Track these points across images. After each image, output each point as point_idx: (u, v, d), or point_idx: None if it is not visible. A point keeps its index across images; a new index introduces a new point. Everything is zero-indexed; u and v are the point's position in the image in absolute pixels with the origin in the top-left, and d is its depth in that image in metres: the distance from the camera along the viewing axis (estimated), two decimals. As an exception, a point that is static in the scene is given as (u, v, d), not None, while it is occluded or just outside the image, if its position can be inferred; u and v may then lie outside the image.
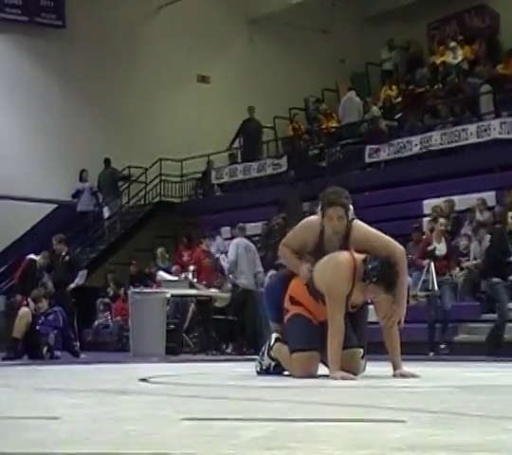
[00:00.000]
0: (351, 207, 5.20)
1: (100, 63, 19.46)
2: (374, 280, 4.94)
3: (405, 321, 5.19)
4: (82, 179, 19.28)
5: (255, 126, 19.44)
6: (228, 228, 16.97)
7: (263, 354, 5.40)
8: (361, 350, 5.24)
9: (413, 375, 5.14)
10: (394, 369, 5.18)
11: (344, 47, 21.85)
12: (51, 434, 2.60)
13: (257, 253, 13.03)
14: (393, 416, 2.97)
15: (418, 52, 20.60)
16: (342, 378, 4.86)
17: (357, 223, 5.25)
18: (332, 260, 5.09)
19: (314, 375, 5.15)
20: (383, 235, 5.27)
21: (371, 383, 4.74)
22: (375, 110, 17.77)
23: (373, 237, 5.19)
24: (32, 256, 12.65)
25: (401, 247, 5.28)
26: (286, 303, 5.26)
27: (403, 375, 5.12)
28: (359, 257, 5.06)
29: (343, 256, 5.08)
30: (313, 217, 5.40)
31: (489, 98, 15.51)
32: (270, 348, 5.34)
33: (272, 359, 5.34)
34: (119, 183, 19.78)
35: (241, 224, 13.79)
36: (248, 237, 16.52)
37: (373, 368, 5.48)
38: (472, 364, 7.14)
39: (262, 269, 12.77)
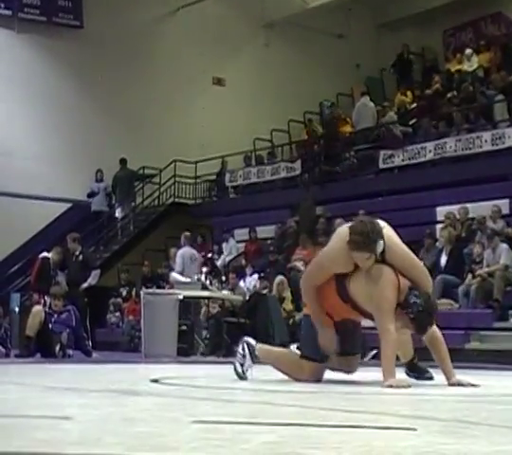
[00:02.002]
0: (380, 242, 4.94)
1: (116, 63, 19.52)
2: (412, 316, 4.88)
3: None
4: (97, 180, 19.34)
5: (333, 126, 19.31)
6: (241, 231, 17.00)
7: (244, 356, 5.26)
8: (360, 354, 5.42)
9: (472, 384, 4.99)
10: (448, 378, 5.04)
11: (359, 52, 21.86)
12: (62, 434, 2.63)
13: (201, 262, 13.41)
14: (403, 424, 2.97)
15: (433, 59, 20.58)
16: (397, 386, 4.73)
17: (390, 241, 5.04)
18: (375, 275, 4.96)
19: (320, 380, 5.18)
20: (417, 261, 5.19)
21: (382, 390, 4.74)
22: (392, 115, 17.74)
23: (408, 261, 5.07)
24: (45, 254, 12.69)
25: (431, 281, 5.19)
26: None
27: (461, 384, 4.98)
28: (404, 282, 4.96)
29: (387, 273, 4.96)
30: (339, 245, 5.05)
31: (504, 106, 15.46)
32: (253, 349, 5.26)
33: (254, 362, 5.24)
34: (135, 183, 19.82)
35: (187, 233, 13.94)
36: (261, 240, 16.60)
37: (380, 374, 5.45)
38: (484, 372, 7.12)
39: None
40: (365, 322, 5.32)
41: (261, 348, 5.31)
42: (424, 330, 4.96)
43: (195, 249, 14.20)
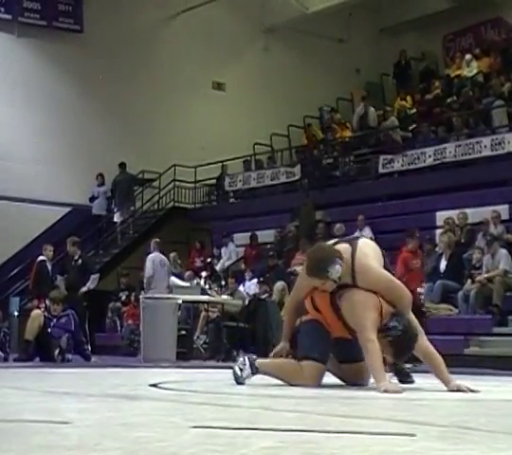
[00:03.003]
0: (336, 265, 4.98)
1: (116, 67, 19.55)
2: (390, 339, 4.89)
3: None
4: (98, 183, 19.35)
5: None
6: (241, 235, 17.00)
7: (244, 364, 5.25)
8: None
9: (471, 390, 4.97)
10: (446, 384, 5.02)
11: (359, 57, 21.89)
12: (61, 439, 2.63)
13: (170, 267, 13.79)
14: (402, 429, 2.97)
15: (433, 64, 20.62)
16: (393, 391, 4.73)
17: (360, 263, 5.07)
18: (356, 299, 5.02)
19: (319, 385, 5.17)
20: (394, 284, 5.13)
21: (380, 395, 4.73)
22: (394, 120, 17.75)
23: (382, 283, 5.06)
24: (42, 257, 12.71)
25: (408, 293, 5.16)
26: (308, 305, 5.22)
27: (460, 389, 4.96)
28: (388, 308, 4.99)
29: (371, 298, 5.00)
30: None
31: (503, 111, 15.48)
32: (254, 361, 5.26)
33: (253, 373, 5.24)
34: (135, 187, 19.84)
35: (157, 239, 14.40)
36: (261, 244, 16.60)
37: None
38: (483, 377, 7.12)
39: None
40: None
41: (261, 360, 5.32)
42: (402, 355, 4.98)
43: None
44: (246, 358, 5.27)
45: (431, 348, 5.06)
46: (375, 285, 5.05)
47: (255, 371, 5.23)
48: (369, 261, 5.11)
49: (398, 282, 5.17)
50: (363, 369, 5.27)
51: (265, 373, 5.29)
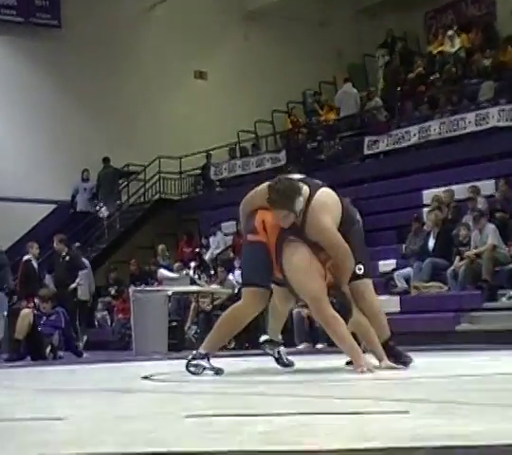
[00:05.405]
0: (300, 198, 4.93)
1: (96, 62, 19.41)
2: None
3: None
4: (84, 179, 19.27)
5: None
6: (229, 224, 16.96)
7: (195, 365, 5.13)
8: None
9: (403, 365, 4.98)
10: (380, 360, 4.99)
11: (341, 39, 21.75)
12: (56, 435, 2.62)
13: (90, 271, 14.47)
14: (395, 407, 2.97)
15: (415, 42, 20.56)
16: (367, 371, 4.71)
17: (313, 210, 4.98)
18: (302, 261, 4.96)
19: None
20: (329, 233, 4.96)
21: (372, 375, 4.73)
22: (378, 101, 17.69)
23: (321, 235, 4.97)
24: (27, 256, 12.64)
25: (344, 248, 4.95)
26: (258, 225, 5.12)
27: (393, 367, 4.93)
28: (330, 278, 4.94)
29: (313, 267, 4.94)
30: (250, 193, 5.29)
31: (487, 86, 15.42)
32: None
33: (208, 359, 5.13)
34: (120, 181, 19.76)
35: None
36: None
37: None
38: (474, 353, 7.14)
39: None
40: None
41: (203, 346, 5.18)
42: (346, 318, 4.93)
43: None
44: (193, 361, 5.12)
45: (362, 318, 4.98)
46: (317, 235, 4.95)
47: (207, 356, 5.11)
48: (323, 212, 5.00)
49: (344, 244, 4.96)
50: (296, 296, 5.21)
51: (215, 349, 5.19)
